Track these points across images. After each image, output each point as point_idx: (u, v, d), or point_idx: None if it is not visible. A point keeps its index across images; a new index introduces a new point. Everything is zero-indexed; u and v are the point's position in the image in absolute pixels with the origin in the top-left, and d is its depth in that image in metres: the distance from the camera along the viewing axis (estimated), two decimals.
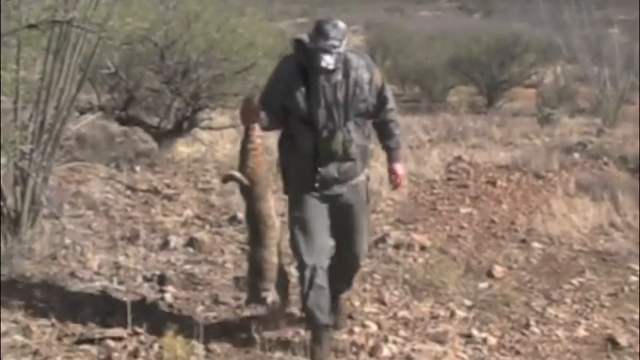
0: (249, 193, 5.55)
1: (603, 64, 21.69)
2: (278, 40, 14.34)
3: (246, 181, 5.49)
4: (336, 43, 5.27)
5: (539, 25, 29.05)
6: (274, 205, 5.62)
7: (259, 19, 13.64)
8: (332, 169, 5.60)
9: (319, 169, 5.57)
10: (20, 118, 6.78)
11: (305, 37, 5.48)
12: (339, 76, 5.47)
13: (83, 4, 6.49)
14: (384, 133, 5.89)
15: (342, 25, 5.36)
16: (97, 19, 6.24)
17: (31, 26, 5.79)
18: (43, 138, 6.84)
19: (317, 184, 5.59)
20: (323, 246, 5.67)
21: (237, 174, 5.53)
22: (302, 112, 5.49)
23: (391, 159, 5.96)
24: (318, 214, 5.67)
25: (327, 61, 5.27)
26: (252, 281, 5.74)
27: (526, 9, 35.72)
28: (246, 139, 5.50)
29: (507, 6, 43.51)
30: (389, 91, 5.80)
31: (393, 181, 5.99)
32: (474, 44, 28.14)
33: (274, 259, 5.64)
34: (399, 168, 5.95)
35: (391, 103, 5.81)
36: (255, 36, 12.70)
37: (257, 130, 5.49)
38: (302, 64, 5.48)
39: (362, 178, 5.80)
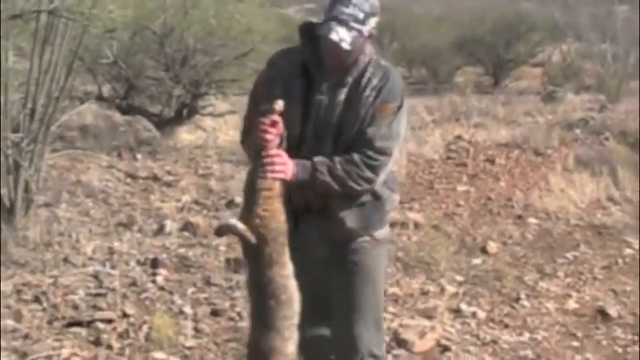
0: (256, 255, 3.71)
1: (607, 40, 21.63)
2: (277, 26, 14.40)
3: (252, 238, 3.64)
4: (360, 14, 3.62)
5: (545, 3, 28.96)
6: (292, 270, 3.76)
7: (258, 5, 13.73)
8: (311, 227, 3.91)
9: (300, 224, 3.89)
10: (10, 107, 6.87)
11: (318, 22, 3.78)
12: (341, 95, 3.78)
13: None
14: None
15: None
16: (82, 9, 6.30)
17: (15, 16, 5.87)
18: (34, 126, 6.92)
19: (295, 245, 3.76)
20: (310, 338, 4.09)
21: (240, 225, 3.64)
22: (293, 137, 3.78)
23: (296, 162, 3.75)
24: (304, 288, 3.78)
25: (340, 33, 3.57)
26: None
27: None
28: (256, 169, 3.70)
29: None
30: (387, 130, 3.79)
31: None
32: (479, 24, 28.12)
33: (290, 349, 3.77)
34: (289, 166, 3.71)
35: (377, 138, 3.77)
36: (253, 21, 12.79)
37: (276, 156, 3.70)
38: (307, 64, 3.82)
39: (365, 240, 3.99)
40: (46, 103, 7.04)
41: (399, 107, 3.82)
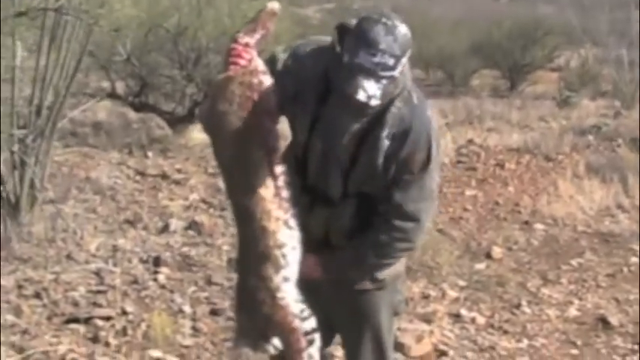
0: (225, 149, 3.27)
1: (622, 46, 21.56)
2: (291, 25, 14.41)
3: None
4: (390, 61, 3.04)
5: (565, 8, 28.93)
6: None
7: None
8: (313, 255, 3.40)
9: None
10: (19, 103, 6.93)
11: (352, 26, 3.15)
12: (357, 124, 3.26)
13: None
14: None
15: (403, 29, 3.08)
16: (88, 7, 6.33)
17: (21, 14, 5.90)
18: (40, 123, 6.96)
19: None
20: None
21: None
22: (298, 144, 3.41)
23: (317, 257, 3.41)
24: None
25: (369, 90, 3.02)
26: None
27: None
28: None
29: None
30: (418, 191, 3.29)
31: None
32: (496, 28, 28.09)
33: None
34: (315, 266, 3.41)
35: (408, 202, 3.29)
36: None
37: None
38: (330, 72, 3.23)
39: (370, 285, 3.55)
40: (53, 100, 7.08)
41: (429, 157, 3.26)
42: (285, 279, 3.23)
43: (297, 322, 3.25)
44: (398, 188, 3.28)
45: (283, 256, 3.22)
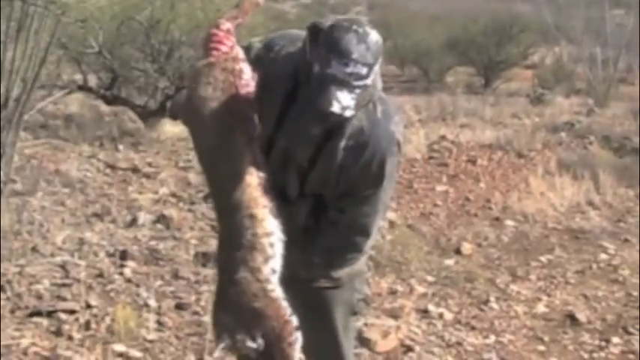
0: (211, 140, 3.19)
1: (596, 44, 21.70)
2: (265, 20, 14.40)
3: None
4: (363, 70, 2.95)
5: (541, 6, 29.04)
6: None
7: None
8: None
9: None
10: None
11: (326, 26, 3.00)
12: (318, 129, 3.18)
13: None
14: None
15: (374, 37, 2.99)
16: None
17: None
18: (6, 114, 6.90)
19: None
20: None
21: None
22: (263, 137, 3.23)
23: None
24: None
25: (343, 101, 2.93)
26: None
27: None
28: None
29: None
30: (370, 207, 3.26)
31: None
32: (472, 24, 28.13)
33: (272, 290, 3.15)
34: None
35: (360, 217, 3.27)
36: None
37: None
38: (299, 73, 3.12)
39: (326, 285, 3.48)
40: (20, 92, 7.01)
41: (383, 173, 3.21)
42: (273, 271, 3.14)
43: (289, 315, 3.16)
44: (351, 202, 3.24)
45: (271, 245, 3.12)
